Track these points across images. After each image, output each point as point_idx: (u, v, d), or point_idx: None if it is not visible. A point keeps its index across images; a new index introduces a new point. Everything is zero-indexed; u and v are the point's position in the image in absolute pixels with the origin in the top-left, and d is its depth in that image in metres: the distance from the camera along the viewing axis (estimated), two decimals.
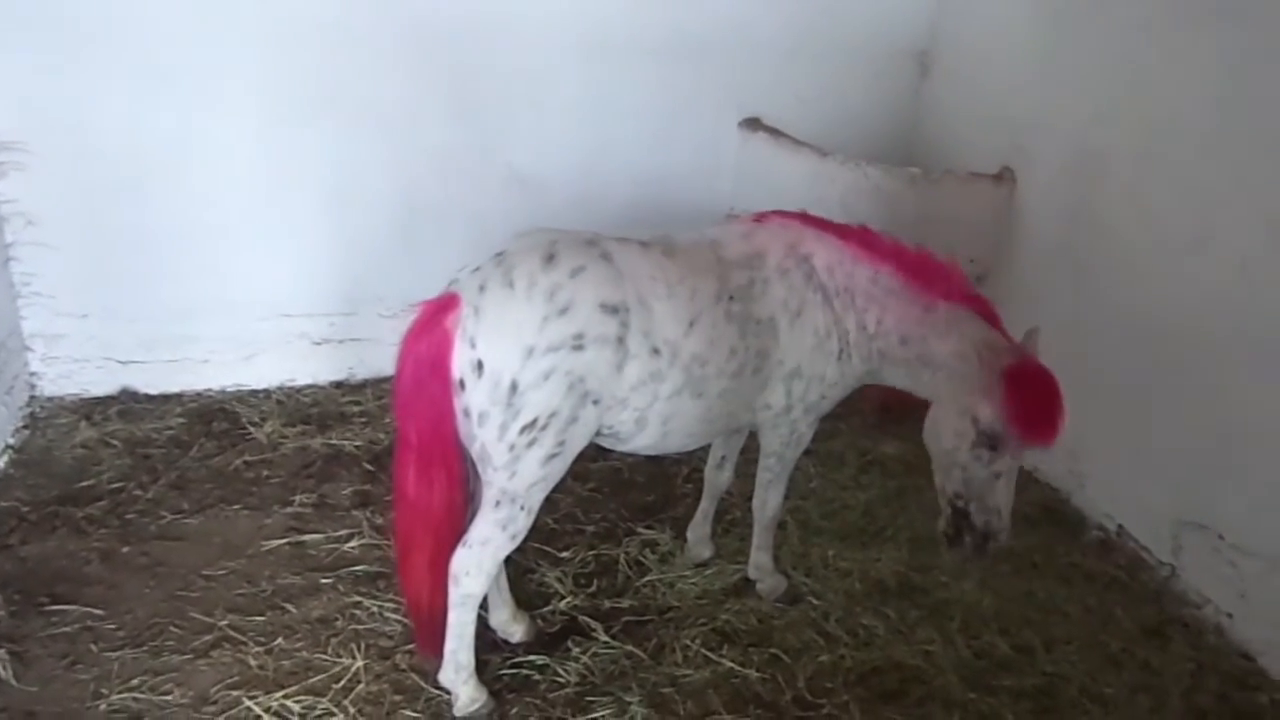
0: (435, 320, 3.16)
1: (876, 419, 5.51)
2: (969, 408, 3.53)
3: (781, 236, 3.80)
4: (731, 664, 3.90)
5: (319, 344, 5.69)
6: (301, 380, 5.71)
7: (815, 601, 4.31)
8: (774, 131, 5.83)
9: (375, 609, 4.04)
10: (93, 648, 3.79)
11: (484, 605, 3.73)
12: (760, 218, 3.91)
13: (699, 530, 4.54)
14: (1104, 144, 4.92)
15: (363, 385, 5.75)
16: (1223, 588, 4.37)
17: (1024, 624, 4.27)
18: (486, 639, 3.88)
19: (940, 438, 3.67)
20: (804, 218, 3.89)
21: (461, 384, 3.16)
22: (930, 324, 3.69)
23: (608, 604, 4.21)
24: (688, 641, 4.00)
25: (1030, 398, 3.41)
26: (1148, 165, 4.68)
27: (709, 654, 3.95)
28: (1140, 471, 4.78)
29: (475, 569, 3.38)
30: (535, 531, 3.72)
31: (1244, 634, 4.27)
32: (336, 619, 3.98)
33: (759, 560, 4.36)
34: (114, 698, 3.57)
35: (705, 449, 4.40)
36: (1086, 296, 5.04)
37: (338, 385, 5.74)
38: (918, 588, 4.43)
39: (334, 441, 5.18)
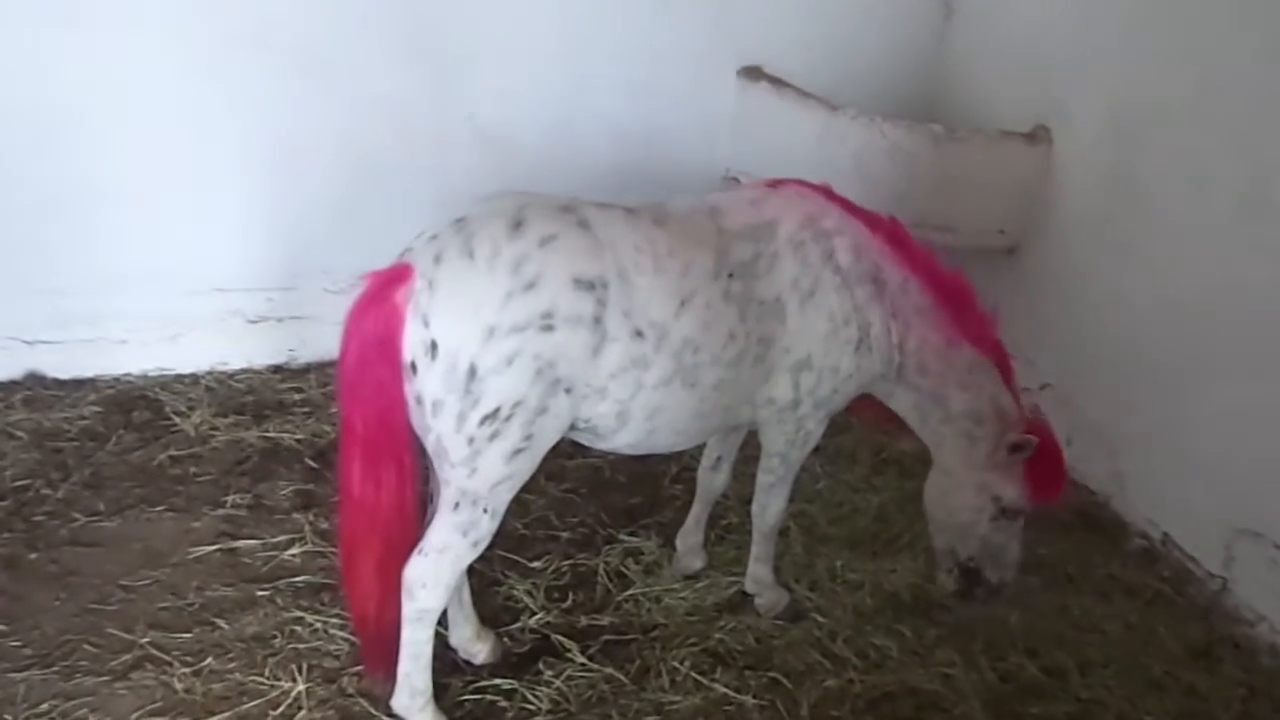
0: (384, 295, 3.13)
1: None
2: (987, 486, 3.88)
3: (799, 206, 3.79)
4: (725, 689, 3.90)
5: (255, 322, 5.67)
6: (235, 364, 5.68)
7: (820, 619, 4.32)
8: (777, 82, 5.82)
9: (319, 625, 4.03)
10: None
11: (443, 622, 3.72)
12: (775, 184, 3.91)
13: (690, 538, 4.54)
14: (1149, 99, 4.93)
15: (305, 370, 5.73)
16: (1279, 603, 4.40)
17: (1056, 644, 4.29)
18: (446, 660, 3.87)
19: (954, 513, 3.97)
20: (829, 193, 3.90)
21: (413, 367, 3.14)
22: (951, 363, 3.88)
23: (585, 621, 4.21)
24: (676, 664, 4.00)
25: (1047, 470, 3.85)
26: (1198, 123, 4.68)
27: (700, 678, 3.95)
28: (1188, 472, 4.80)
29: (432, 580, 3.36)
30: (502, 538, 3.72)
31: None
32: (274, 636, 3.97)
33: (757, 572, 4.36)
34: None
35: (699, 448, 4.40)
36: (1129, 272, 5.05)
37: (276, 370, 5.72)
38: (936, 603, 4.44)
39: (272, 434, 5.15)
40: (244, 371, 5.66)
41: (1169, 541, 4.92)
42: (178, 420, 5.20)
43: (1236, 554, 4.59)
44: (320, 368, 5.69)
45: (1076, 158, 5.38)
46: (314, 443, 5.12)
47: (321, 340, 5.62)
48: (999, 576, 4.03)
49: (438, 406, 3.15)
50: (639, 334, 3.34)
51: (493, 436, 3.19)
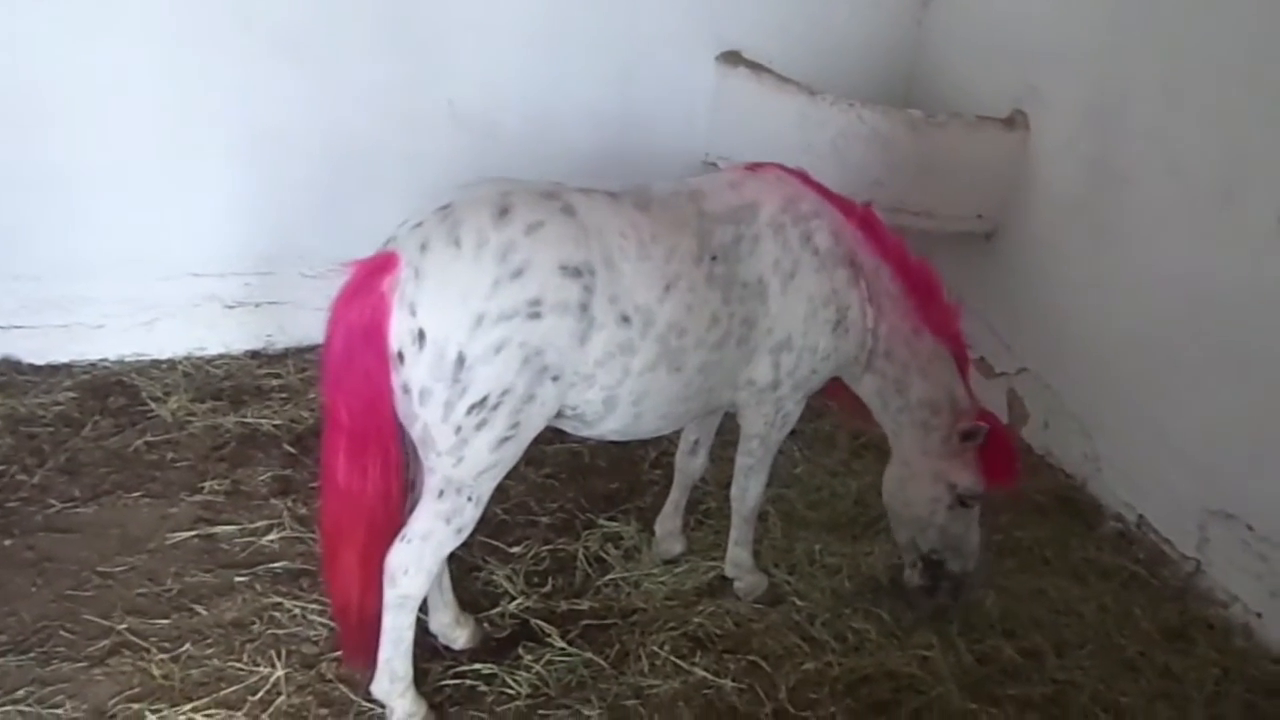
0: (370, 283, 3.13)
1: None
2: (942, 474, 3.98)
3: (778, 189, 3.83)
4: (704, 673, 3.94)
5: (232, 308, 5.65)
6: (212, 349, 5.67)
7: (799, 602, 4.36)
8: (756, 67, 5.83)
9: (297, 611, 4.04)
10: None
11: (423, 608, 3.72)
12: (754, 167, 3.94)
13: (669, 523, 4.57)
14: (1127, 84, 4.97)
15: (283, 355, 5.71)
16: (1252, 585, 4.46)
17: (1032, 626, 4.34)
18: (426, 645, 3.89)
19: (912, 504, 4.07)
20: (805, 177, 3.93)
21: (400, 356, 3.15)
22: (915, 351, 3.98)
23: (564, 606, 4.23)
24: (655, 648, 4.03)
25: (999, 455, 3.95)
26: (1176, 107, 4.73)
27: (679, 662, 3.98)
28: (1163, 455, 4.86)
29: (414, 567, 3.38)
30: (482, 523, 3.71)
31: (1275, 635, 4.37)
32: (253, 622, 3.98)
33: (737, 556, 4.40)
34: None
35: (677, 432, 4.42)
36: (1106, 256, 5.10)
37: (254, 355, 5.70)
38: (907, 596, 4.48)
39: (249, 420, 5.15)
40: (221, 357, 5.64)
41: (1144, 524, 4.98)
42: (154, 406, 5.18)
43: (1210, 536, 4.65)
44: (298, 353, 5.68)
45: (1054, 143, 5.42)
46: (292, 428, 5.12)
47: (299, 325, 5.62)
48: (961, 566, 4.13)
49: (425, 395, 3.16)
50: (625, 319, 3.35)
51: (480, 425, 3.20)
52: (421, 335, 3.11)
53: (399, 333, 3.13)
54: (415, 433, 3.27)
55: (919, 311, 3.95)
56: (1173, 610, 4.54)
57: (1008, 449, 4.04)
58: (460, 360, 3.12)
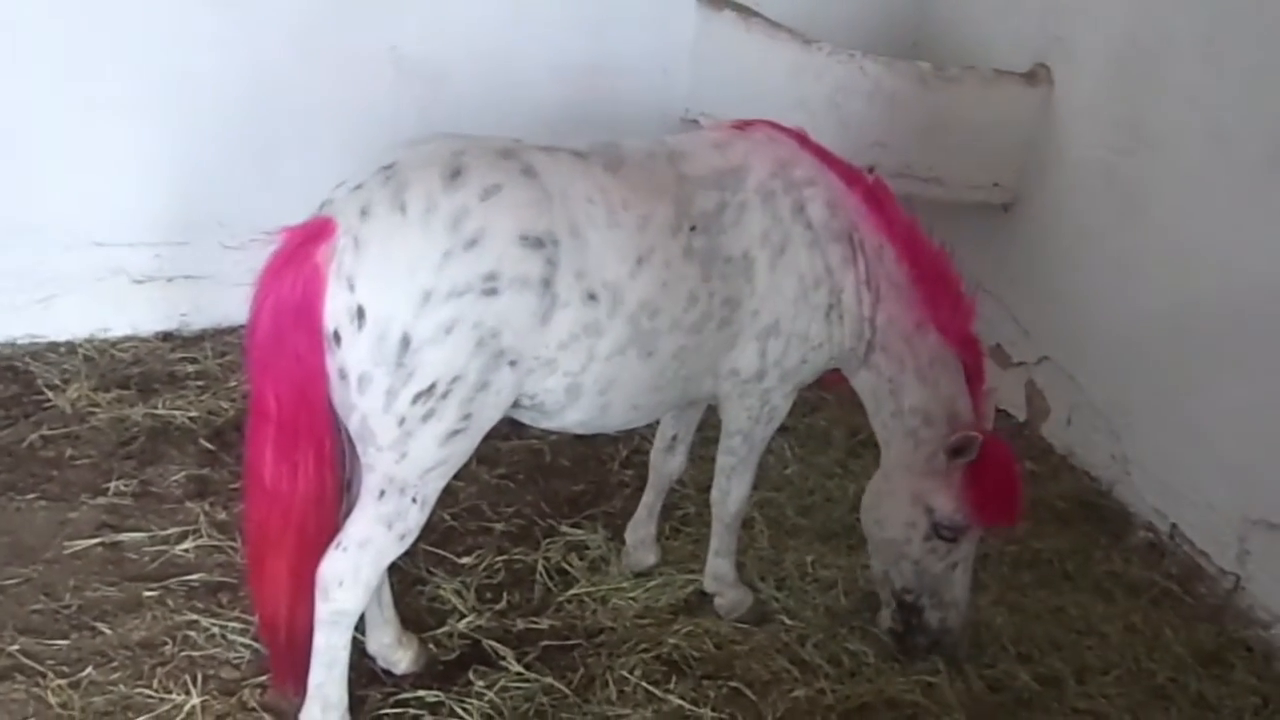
0: (302, 253, 3.12)
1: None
2: (921, 495, 3.92)
3: (769, 151, 3.84)
4: (680, 701, 3.95)
5: (141, 283, 5.64)
6: (117, 330, 5.65)
7: (788, 621, 4.38)
8: (744, 11, 5.84)
9: (216, 630, 4.03)
10: None
11: (360, 626, 3.70)
12: (743, 126, 3.95)
13: (641, 530, 4.58)
14: (1161, 36, 5.00)
15: (199, 337, 5.70)
16: None
17: (1051, 649, 4.38)
18: (363, 669, 3.89)
19: (884, 525, 4.03)
20: (804, 138, 3.94)
21: (336, 337, 3.14)
22: (914, 350, 3.95)
23: (521, 625, 4.24)
24: (624, 673, 4.04)
25: (993, 486, 3.85)
26: (1215, 63, 4.76)
27: (652, 689, 3.99)
28: (1200, 456, 4.90)
29: (350, 579, 3.37)
30: (429, 530, 3.73)
31: None
32: (165, 643, 3.97)
33: (718, 569, 4.41)
34: None
35: (650, 428, 4.44)
36: (1137, 231, 5.14)
37: (166, 337, 5.69)
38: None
39: (161, 411, 5.13)
40: (128, 339, 5.62)
41: (1177, 534, 5.03)
42: (51, 395, 5.17)
43: (1252, 548, 4.70)
44: (217, 335, 5.67)
45: (1080, 102, 5.45)
46: (210, 421, 5.11)
47: (218, 303, 5.61)
48: (940, 619, 4.07)
49: (364, 382, 3.16)
50: (592, 297, 3.36)
51: (426, 416, 3.20)
52: (360, 313, 3.11)
53: (335, 310, 3.12)
54: (353, 425, 3.27)
55: (926, 305, 3.92)
56: (1208, 631, 4.58)
57: (1006, 477, 3.90)
58: (405, 342, 3.12)
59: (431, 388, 3.17)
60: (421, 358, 3.13)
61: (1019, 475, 3.98)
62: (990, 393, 4.14)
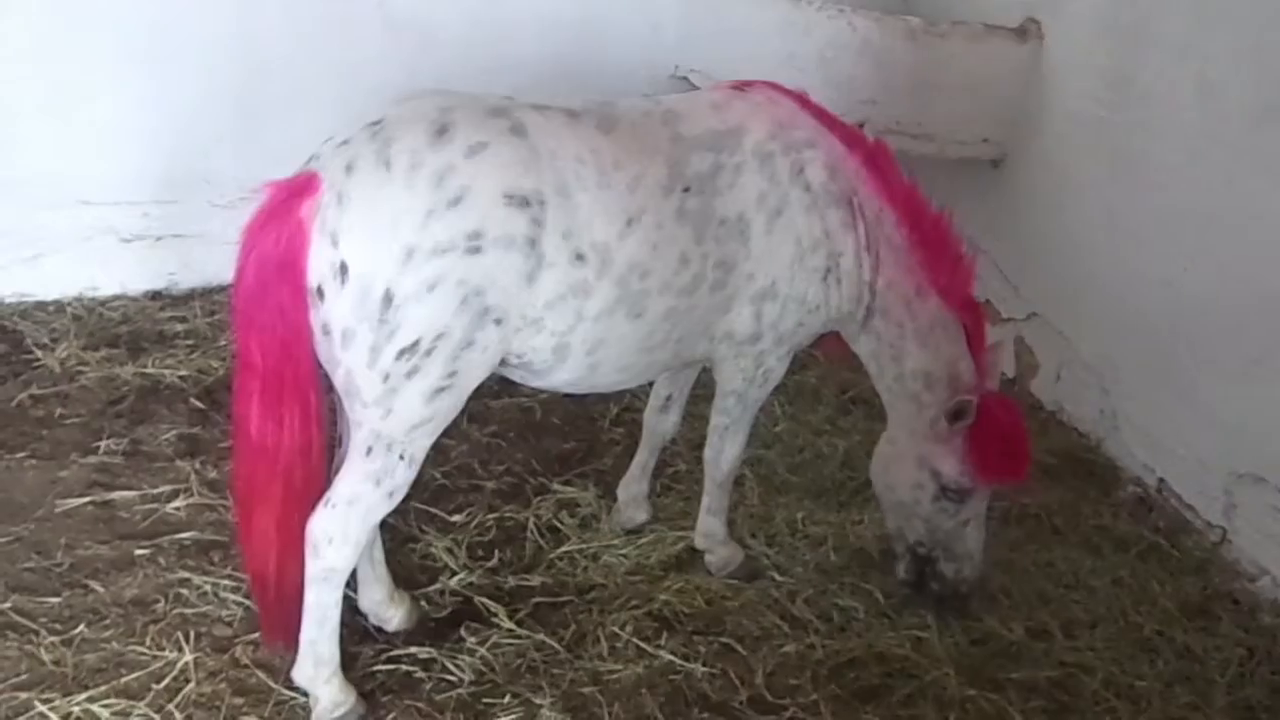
0: (286, 209, 3.12)
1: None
2: (926, 458, 3.95)
3: (768, 112, 3.81)
4: (671, 656, 3.97)
5: (129, 241, 5.62)
6: (106, 289, 5.64)
7: (779, 577, 4.40)
8: None
9: (207, 588, 4.04)
10: None
11: (351, 583, 3.74)
12: (741, 86, 3.92)
13: (633, 488, 4.59)
14: None
15: (188, 296, 5.69)
16: None
17: (1038, 602, 4.40)
18: (355, 626, 3.90)
19: (894, 489, 4.07)
20: (804, 100, 3.91)
21: (319, 292, 3.14)
22: (914, 315, 3.96)
23: (513, 581, 4.25)
24: (615, 629, 4.06)
25: (995, 443, 3.87)
26: (1207, 16, 4.74)
27: (643, 645, 4.01)
28: (1188, 411, 4.91)
29: (340, 536, 3.38)
30: (418, 488, 3.72)
31: None
32: (157, 601, 3.98)
33: (709, 526, 4.42)
34: None
35: (645, 387, 4.43)
36: (1128, 187, 5.13)
37: (155, 296, 5.68)
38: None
39: (150, 370, 5.13)
40: (117, 298, 5.61)
41: (1165, 488, 5.04)
42: (40, 354, 5.16)
43: (1238, 502, 4.71)
44: (206, 294, 5.66)
45: (1070, 57, 5.43)
46: (199, 380, 5.11)
47: (207, 262, 5.59)
48: (955, 570, 4.11)
49: (348, 337, 3.15)
50: (580, 257, 3.35)
51: (411, 373, 3.19)
52: (344, 269, 3.10)
53: (318, 265, 3.12)
54: (338, 380, 3.27)
55: (925, 269, 3.92)
56: (1195, 584, 4.60)
57: (1011, 436, 3.93)
58: (387, 298, 3.11)
59: (415, 344, 3.16)
60: (404, 314, 3.13)
61: (1024, 432, 4.00)
62: (996, 348, 4.14)
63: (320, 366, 3.27)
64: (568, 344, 3.46)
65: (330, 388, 3.34)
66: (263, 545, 3.44)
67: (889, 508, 4.17)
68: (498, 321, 3.27)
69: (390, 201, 3.11)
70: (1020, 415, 4.03)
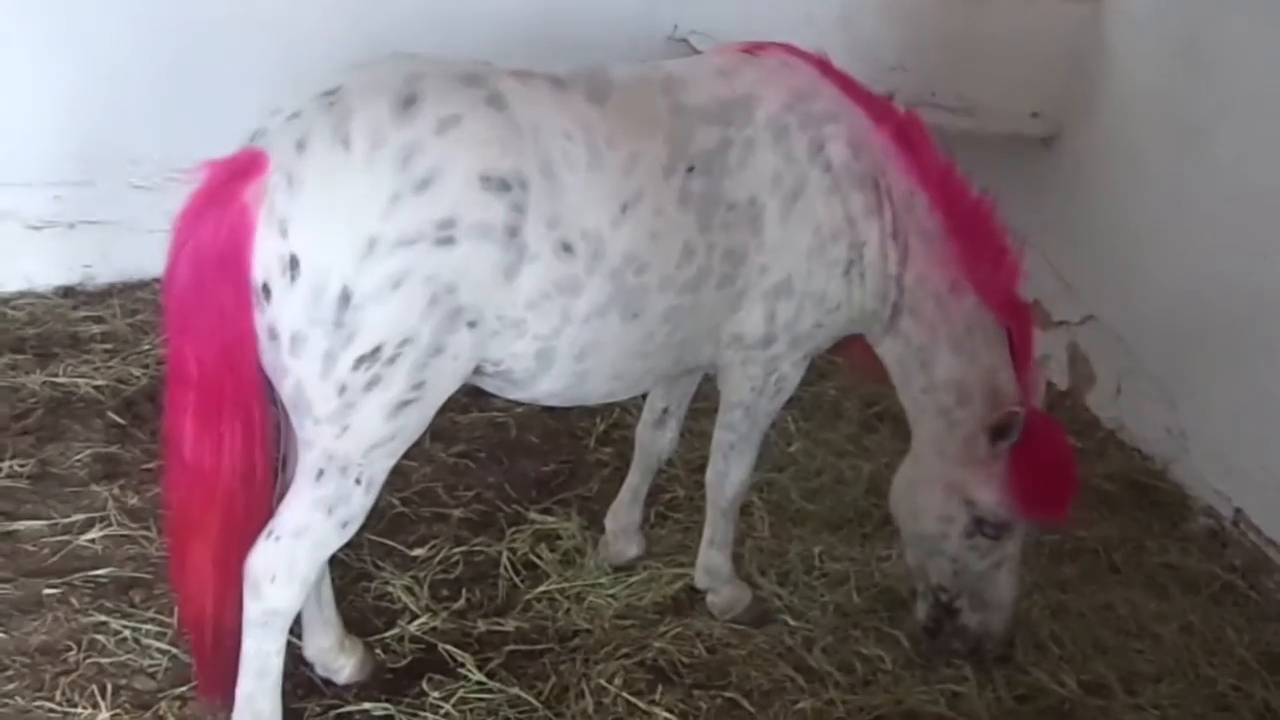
0: (227, 192, 3.11)
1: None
2: (959, 485, 3.93)
3: (783, 79, 3.83)
4: (667, 714, 3.97)
5: (37, 229, 5.64)
6: (10, 285, 5.66)
7: (792, 622, 4.42)
8: None
9: (127, 633, 4.04)
10: None
11: (296, 628, 3.72)
12: (752, 49, 3.93)
13: (623, 517, 4.61)
14: None
15: (106, 293, 5.70)
16: None
17: (1094, 652, 4.42)
18: (300, 678, 3.91)
19: (918, 518, 4.06)
20: (825, 65, 3.93)
21: (265, 290, 3.14)
22: (948, 315, 3.95)
23: (483, 626, 4.27)
24: (603, 682, 4.07)
25: (1043, 469, 3.83)
26: None
27: (634, 700, 4.01)
28: (1268, 430, 4.93)
29: (285, 573, 3.38)
30: (375, 516, 3.73)
31: None
32: (69, 649, 3.98)
33: (711, 562, 4.43)
34: None
35: (636, 399, 4.44)
36: (1199, 168, 5.16)
37: (67, 293, 5.69)
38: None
39: (62, 379, 5.14)
40: (23, 295, 5.63)
41: (1242, 520, 5.06)
42: None
43: None
44: (127, 290, 5.68)
45: (1133, 18, 5.47)
46: (119, 390, 5.12)
47: (128, 253, 5.62)
48: (980, 622, 4.09)
49: (298, 343, 3.15)
50: (567, 249, 3.36)
51: (370, 384, 3.20)
52: (294, 263, 3.10)
53: (264, 259, 3.12)
54: (286, 392, 3.27)
55: (962, 262, 3.91)
56: (1277, 632, 4.63)
57: (1058, 463, 3.91)
58: (344, 298, 3.11)
59: (376, 351, 3.16)
60: (364, 316, 3.12)
61: (1073, 459, 3.99)
62: (1040, 364, 4.15)
63: (265, 377, 3.26)
64: (553, 349, 3.47)
65: (276, 401, 3.35)
66: (198, 584, 3.43)
67: (911, 541, 4.16)
68: (472, 324, 3.28)
69: (348, 185, 3.11)
70: (1067, 439, 4.03)
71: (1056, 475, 3.89)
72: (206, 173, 3.16)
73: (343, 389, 3.19)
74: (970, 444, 3.92)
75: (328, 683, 3.97)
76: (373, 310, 3.13)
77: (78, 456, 4.78)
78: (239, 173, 3.13)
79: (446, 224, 3.15)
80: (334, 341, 3.14)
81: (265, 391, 3.29)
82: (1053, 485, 3.89)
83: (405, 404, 3.28)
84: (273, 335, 3.17)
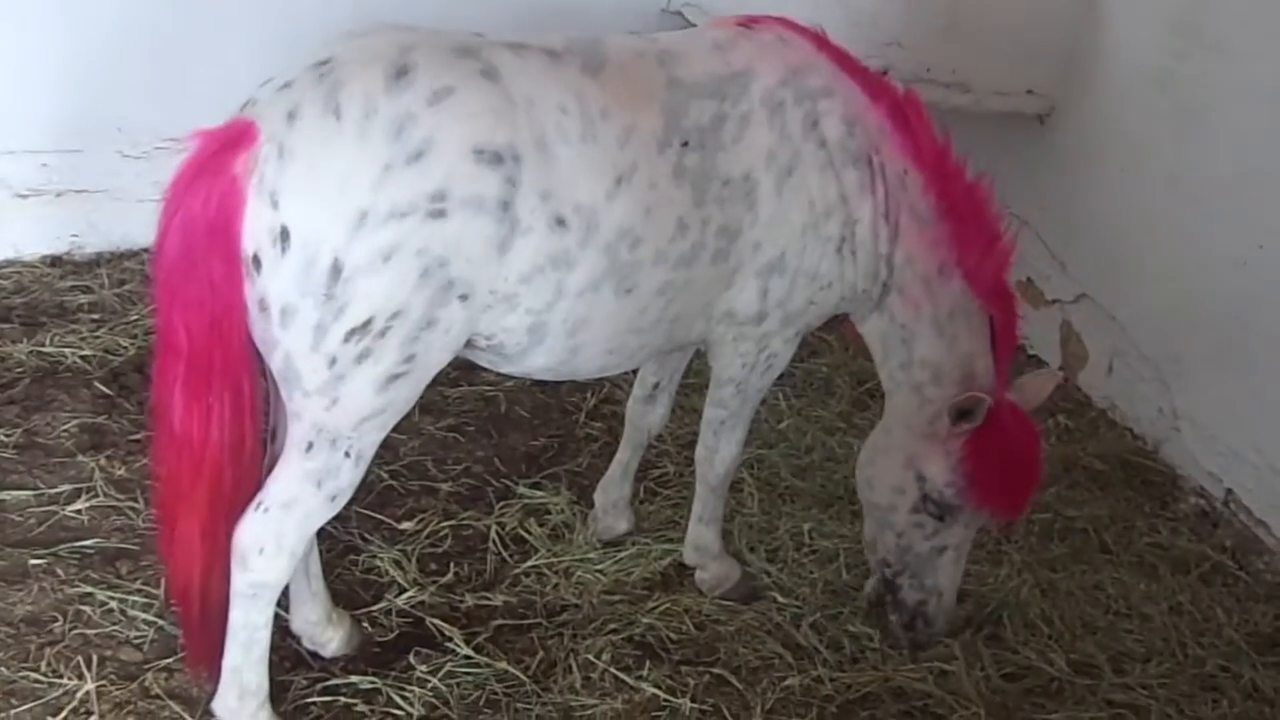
0: (217, 162, 3.10)
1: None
2: (915, 458, 3.97)
3: (779, 54, 3.82)
4: (655, 690, 3.99)
5: (24, 198, 5.62)
6: None
7: (781, 599, 4.44)
8: None
9: (113, 604, 4.05)
10: None
11: (283, 601, 3.73)
12: (749, 23, 3.93)
13: (613, 492, 4.62)
14: None
15: (94, 263, 5.69)
16: None
17: (1083, 632, 4.45)
18: (287, 651, 3.93)
19: (872, 485, 4.11)
20: (822, 40, 3.93)
21: (256, 262, 3.14)
22: (934, 296, 3.97)
23: (471, 601, 4.28)
24: (591, 657, 4.08)
25: (998, 459, 3.86)
26: None
27: (622, 676, 4.03)
28: (1260, 410, 4.95)
29: (273, 545, 3.39)
30: (363, 490, 3.73)
31: None
32: (54, 620, 3.98)
33: (700, 538, 4.44)
34: None
35: (626, 374, 4.44)
36: (1196, 148, 5.16)
37: (55, 262, 5.69)
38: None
39: (49, 349, 5.13)
40: (9, 264, 5.62)
41: (1233, 500, 5.09)
42: None
43: None
44: (115, 260, 5.67)
45: None
46: (106, 361, 5.11)
47: (117, 222, 5.61)
48: (917, 601, 4.11)
49: (288, 315, 3.15)
50: (560, 223, 3.35)
51: (361, 357, 3.19)
52: (285, 234, 3.10)
53: (254, 230, 3.11)
54: (276, 364, 3.27)
55: (953, 245, 3.93)
56: (1266, 613, 4.65)
57: (1017, 458, 3.93)
58: (335, 270, 3.11)
59: (367, 324, 3.16)
60: (355, 288, 3.12)
61: (1037, 461, 4.01)
62: (1047, 378, 4.20)
63: (255, 348, 3.26)
64: (545, 323, 3.47)
65: (266, 373, 3.35)
66: (186, 556, 3.43)
67: (867, 510, 4.22)
68: (464, 297, 3.27)
69: (339, 156, 3.11)
70: (1038, 442, 4.03)
71: (1012, 470, 3.92)
72: (197, 143, 3.14)
73: (333, 361, 3.19)
74: (934, 422, 3.95)
75: (315, 655, 3.98)
76: (363, 282, 3.12)
77: (64, 427, 4.77)
78: (229, 143, 3.11)
79: (438, 196, 3.14)
80: (324, 314, 3.13)
81: (255, 363, 3.29)
82: (1006, 479, 3.91)
83: (396, 377, 3.28)
84: (263, 307, 3.17)
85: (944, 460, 3.92)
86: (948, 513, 3.97)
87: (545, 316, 3.45)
